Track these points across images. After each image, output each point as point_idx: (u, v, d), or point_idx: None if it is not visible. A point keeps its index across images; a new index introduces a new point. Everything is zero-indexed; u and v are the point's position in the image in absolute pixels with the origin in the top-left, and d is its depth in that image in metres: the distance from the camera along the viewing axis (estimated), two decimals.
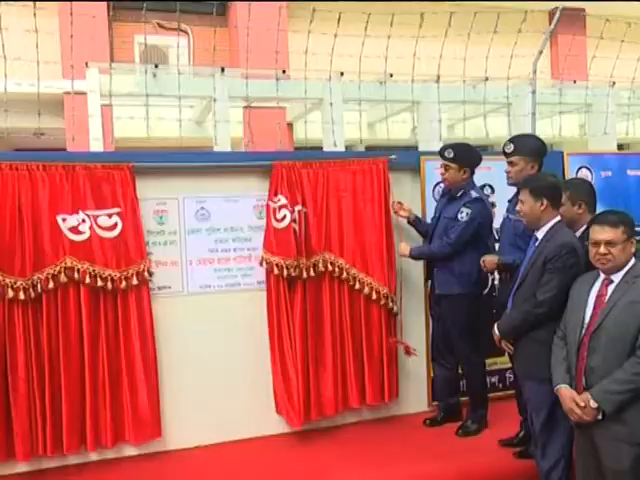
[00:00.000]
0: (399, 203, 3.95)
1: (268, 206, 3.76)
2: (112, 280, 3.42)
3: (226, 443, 3.72)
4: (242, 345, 3.81)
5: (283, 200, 3.71)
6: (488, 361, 4.03)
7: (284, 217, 3.70)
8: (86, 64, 6.90)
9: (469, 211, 3.65)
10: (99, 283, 3.39)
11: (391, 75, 7.24)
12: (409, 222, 3.98)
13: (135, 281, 3.47)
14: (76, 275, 3.36)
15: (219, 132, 6.01)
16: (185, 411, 3.68)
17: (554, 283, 2.84)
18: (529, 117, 4.73)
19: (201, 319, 3.74)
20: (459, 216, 3.67)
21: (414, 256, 3.87)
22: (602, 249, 2.60)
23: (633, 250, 2.63)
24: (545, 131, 7.45)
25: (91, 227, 3.41)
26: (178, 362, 3.68)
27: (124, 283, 3.44)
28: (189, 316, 3.72)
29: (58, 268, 3.34)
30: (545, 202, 2.94)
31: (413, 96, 6.67)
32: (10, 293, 3.25)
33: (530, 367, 2.96)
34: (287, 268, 3.67)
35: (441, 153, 3.76)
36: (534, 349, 2.93)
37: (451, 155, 3.70)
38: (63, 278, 3.35)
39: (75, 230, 3.39)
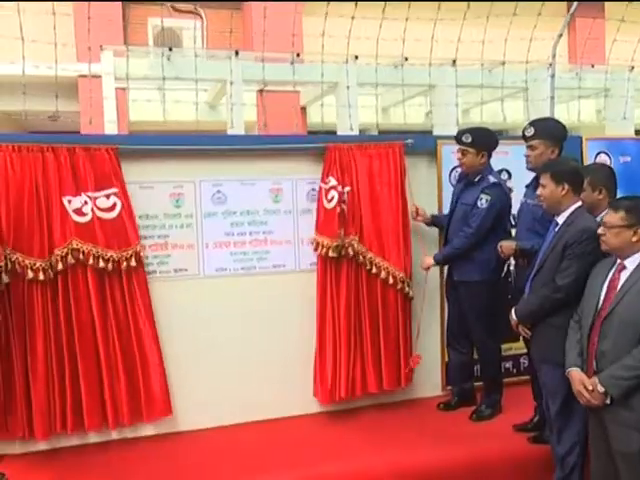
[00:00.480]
0: (416, 208, 3.93)
1: (320, 188, 3.81)
2: (113, 261, 3.43)
3: (243, 424, 3.76)
4: (257, 328, 3.83)
5: (333, 181, 3.77)
6: (503, 346, 4.02)
7: (332, 198, 3.75)
8: (101, 47, 6.90)
9: (488, 197, 3.61)
10: (101, 264, 3.40)
11: (406, 59, 7.18)
12: (428, 224, 3.99)
13: (133, 262, 3.48)
14: (81, 257, 3.39)
15: (234, 115, 5.98)
16: (202, 393, 3.71)
17: (573, 269, 2.83)
18: (547, 101, 4.66)
19: (217, 302, 3.76)
20: (478, 203, 3.63)
21: (440, 261, 3.84)
22: (600, 229, 2.66)
23: (635, 239, 2.58)
24: (562, 116, 7.37)
25: (92, 209, 3.42)
26: (194, 344, 3.71)
27: (125, 264, 3.45)
28: (205, 299, 3.74)
29: (66, 250, 3.36)
30: (566, 187, 2.91)
31: (430, 79, 6.61)
32: (30, 274, 3.28)
33: (547, 352, 2.96)
34: (332, 249, 3.73)
35: (458, 138, 3.72)
36: (551, 334, 2.92)
37: (469, 140, 3.66)
38: (70, 260, 3.37)
39: (79, 212, 3.41)
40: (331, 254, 3.75)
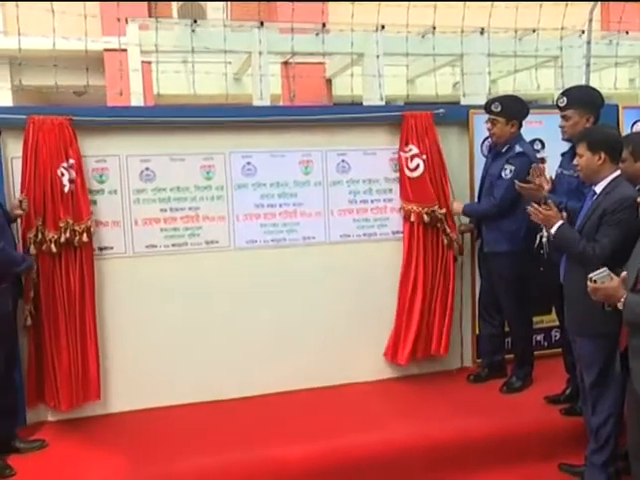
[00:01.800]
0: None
1: (400, 157, 3.85)
2: (72, 234, 3.33)
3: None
4: (289, 300, 3.85)
5: (415, 149, 3.81)
6: (534, 319, 3.99)
7: (417, 166, 3.80)
8: (126, 20, 6.89)
9: (512, 167, 3.56)
10: (62, 238, 3.32)
11: (434, 28, 7.04)
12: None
13: (85, 238, 3.36)
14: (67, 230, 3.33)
15: (262, 87, 5.93)
16: (233, 361, 3.77)
17: (610, 236, 2.74)
18: (581, 69, 4.52)
19: (248, 273, 3.78)
20: (502, 173, 3.60)
21: (466, 213, 3.87)
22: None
23: None
24: (595, 85, 7.18)
25: (69, 180, 3.35)
26: (224, 314, 3.75)
27: (77, 239, 3.34)
28: (237, 270, 3.76)
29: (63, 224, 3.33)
30: (603, 155, 2.83)
31: (460, 49, 6.47)
32: (53, 248, 3.29)
33: (583, 323, 2.91)
34: (425, 215, 3.80)
35: (488, 107, 3.65)
36: (587, 305, 2.85)
37: (498, 109, 3.59)
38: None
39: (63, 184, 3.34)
40: (426, 219, 3.81)
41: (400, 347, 3.93)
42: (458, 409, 3.56)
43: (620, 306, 2.43)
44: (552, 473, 3.13)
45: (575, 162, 2.95)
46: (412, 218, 3.85)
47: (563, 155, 3.46)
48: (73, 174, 3.34)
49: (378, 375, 3.99)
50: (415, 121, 3.84)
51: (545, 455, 3.23)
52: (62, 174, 3.31)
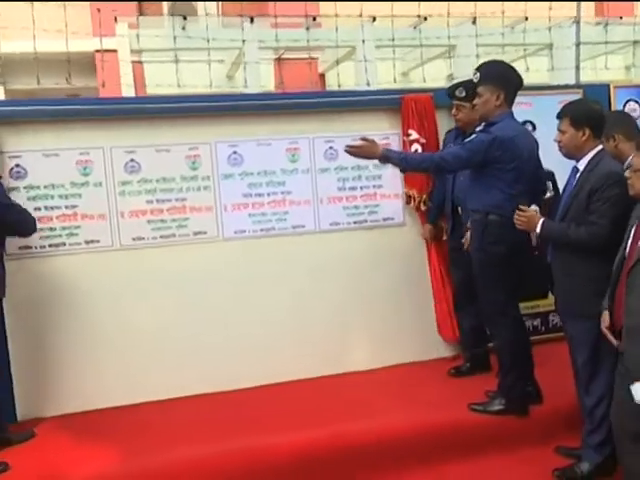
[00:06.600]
0: None
1: (403, 141, 3.86)
2: None
3: (264, 386, 3.76)
4: (281, 289, 3.81)
5: (414, 135, 3.82)
6: (529, 304, 3.93)
7: (416, 151, 3.81)
8: (115, 19, 6.87)
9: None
10: None
11: (425, 18, 7.01)
12: None
13: None
14: None
15: (248, 75, 5.90)
16: (224, 353, 3.73)
17: (607, 219, 2.66)
18: (571, 50, 4.46)
19: (237, 264, 3.74)
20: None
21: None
22: (627, 172, 2.50)
23: None
24: (588, 73, 7.12)
25: None
26: (215, 306, 3.71)
27: None
28: (226, 261, 3.73)
29: None
30: (587, 131, 2.77)
31: (451, 40, 6.43)
32: None
33: (572, 304, 2.85)
34: (423, 201, 3.86)
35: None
36: (576, 285, 2.81)
37: (462, 94, 3.51)
38: None
39: None
40: (422, 208, 3.86)
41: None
42: (453, 395, 3.50)
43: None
44: (549, 456, 3.07)
45: (557, 138, 2.87)
46: (414, 204, 3.88)
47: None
48: None
49: (372, 364, 3.94)
50: (415, 104, 3.82)
51: (541, 438, 3.17)
52: None
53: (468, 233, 3.35)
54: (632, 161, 2.51)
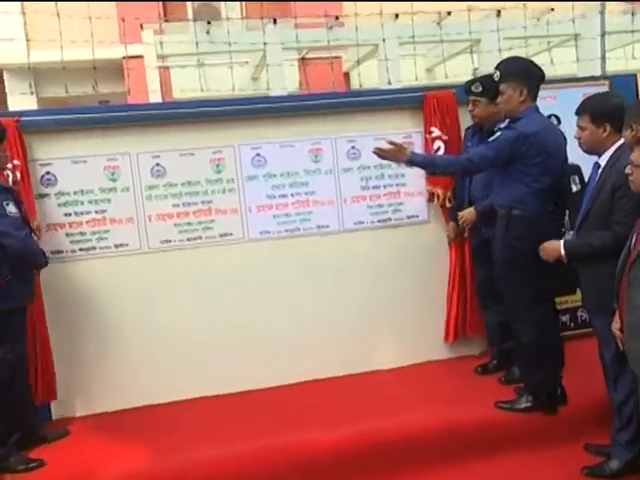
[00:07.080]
0: None
1: (426, 139, 3.86)
2: None
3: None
4: (306, 288, 3.84)
5: (437, 132, 3.82)
6: (557, 300, 3.87)
7: (439, 148, 3.81)
8: (141, 26, 7.00)
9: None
10: None
11: (449, 13, 6.96)
12: None
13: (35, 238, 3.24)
14: None
15: (274, 80, 5.94)
16: (251, 353, 3.77)
17: (631, 210, 2.62)
18: (597, 40, 4.38)
19: (263, 264, 3.78)
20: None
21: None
22: (627, 169, 2.43)
23: None
24: (615, 63, 6.97)
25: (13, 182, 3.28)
26: (242, 306, 3.76)
27: None
28: (252, 261, 3.77)
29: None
30: (608, 127, 2.72)
31: (474, 34, 6.38)
32: None
33: (599, 301, 2.81)
34: (447, 198, 3.84)
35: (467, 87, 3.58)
36: (602, 282, 2.76)
37: (479, 89, 3.45)
38: None
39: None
40: (448, 205, 3.84)
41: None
42: (481, 393, 3.48)
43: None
44: (577, 454, 3.04)
45: (576, 135, 2.83)
46: (438, 202, 3.86)
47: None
48: (18, 176, 3.30)
49: (398, 362, 3.95)
50: (437, 101, 3.81)
51: (570, 436, 3.14)
52: (7, 175, 3.27)
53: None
54: (633, 156, 2.42)
